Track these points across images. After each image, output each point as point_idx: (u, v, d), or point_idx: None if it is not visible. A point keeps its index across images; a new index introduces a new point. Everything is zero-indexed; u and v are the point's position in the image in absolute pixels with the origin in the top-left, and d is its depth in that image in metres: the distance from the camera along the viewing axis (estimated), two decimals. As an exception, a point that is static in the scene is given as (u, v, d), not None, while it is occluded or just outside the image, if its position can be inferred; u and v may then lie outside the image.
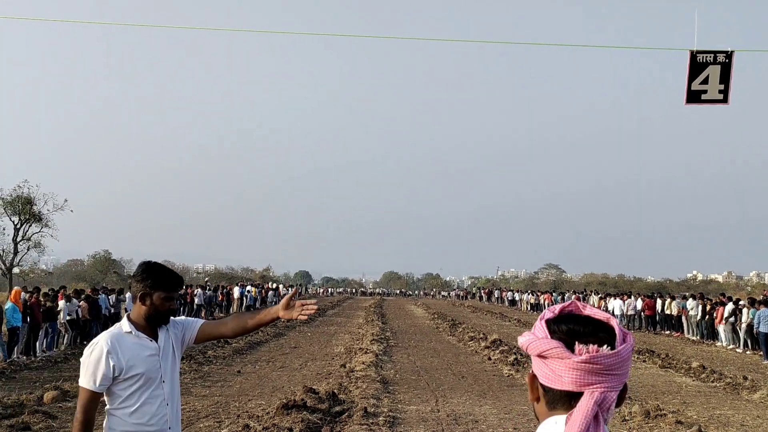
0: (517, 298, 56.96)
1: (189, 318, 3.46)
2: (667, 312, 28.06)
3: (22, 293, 16.77)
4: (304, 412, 8.85)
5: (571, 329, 1.46)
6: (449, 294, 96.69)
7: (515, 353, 17.17)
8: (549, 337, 1.46)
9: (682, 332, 26.45)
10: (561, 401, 1.46)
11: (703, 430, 8.58)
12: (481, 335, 22.75)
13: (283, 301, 3.21)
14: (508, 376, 14.13)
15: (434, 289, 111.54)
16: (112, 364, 3.02)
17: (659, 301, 29.23)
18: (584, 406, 1.41)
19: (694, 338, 24.84)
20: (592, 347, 1.42)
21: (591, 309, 1.51)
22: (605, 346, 1.42)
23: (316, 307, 3.20)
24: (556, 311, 1.52)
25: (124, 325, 3.15)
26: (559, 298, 42.76)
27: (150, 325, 3.16)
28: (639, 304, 30.55)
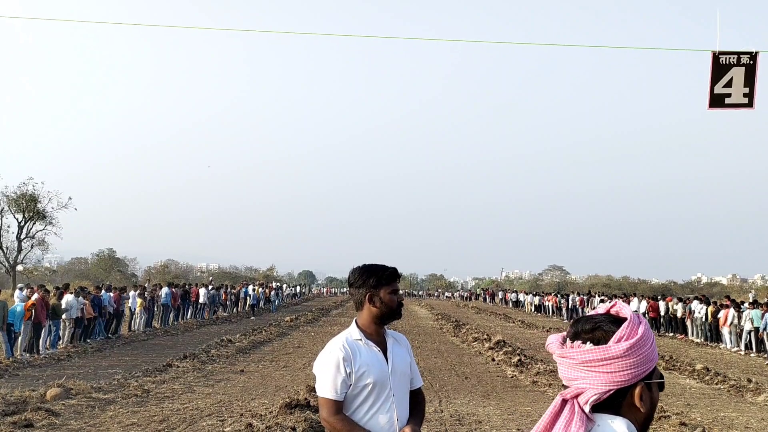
0: (521, 300, 56.93)
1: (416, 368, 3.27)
2: (674, 313, 27.97)
3: (23, 291, 16.89)
4: (308, 412, 8.83)
5: (576, 327, 1.54)
6: (453, 295, 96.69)
7: (519, 354, 17.13)
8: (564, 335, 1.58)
9: (686, 334, 26.37)
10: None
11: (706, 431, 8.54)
12: (485, 336, 22.70)
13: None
14: (512, 377, 14.09)
15: (438, 290, 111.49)
16: (348, 371, 2.94)
17: (662, 304, 29.13)
18: (555, 400, 1.52)
19: (699, 340, 24.75)
20: (575, 343, 1.50)
21: (625, 310, 1.55)
22: (588, 344, 1.48)
23: None
24: (597, 311, 1.62)
25: (354, 332, 3.06)
26: (563, 300, 42.64)
27: (381, 327, 3.09)
28: (644, 305, 30.43)
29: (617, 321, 1.52)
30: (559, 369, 1.55)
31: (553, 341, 1.56)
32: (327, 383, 2.95)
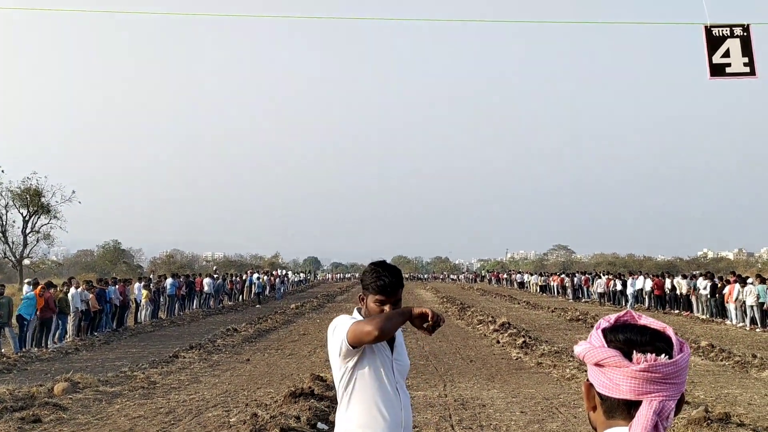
0: (526, 280, 57.00)
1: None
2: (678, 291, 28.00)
3: (30, 285, 16.99)
4: (312, 400, 8.89)
5: (629, 338, 1.49)
6: (459, 277, 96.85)
7: (524, 336, 17.18)
8: (606, 345, 1.49)
9: (692, 311, 26.40)
10: (619, 410, 1.48)
11: (710, 409, 8.56)
12: (490, 318, 22.77)
13: None
14: (517, 359, 14.14)
15: (444, 273, 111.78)
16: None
17: (668, 281, 29.15)
18: (644, 415, 1.44)
19: (704, 317, 24.78)
20: (650, 356, 1.44)
21: (647, 319, 1.54)
22: (663, 355, 1.45)
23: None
24: (612, 321, 1.55)
25: (359, 319, 3.05)
26: (568, 280, 42.67)
27: None
28: (648, 284, 30.47)
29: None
30: (629, 383, 1.44)
31: (614, 354, 1.46)
32: (346, 320, 2.95)
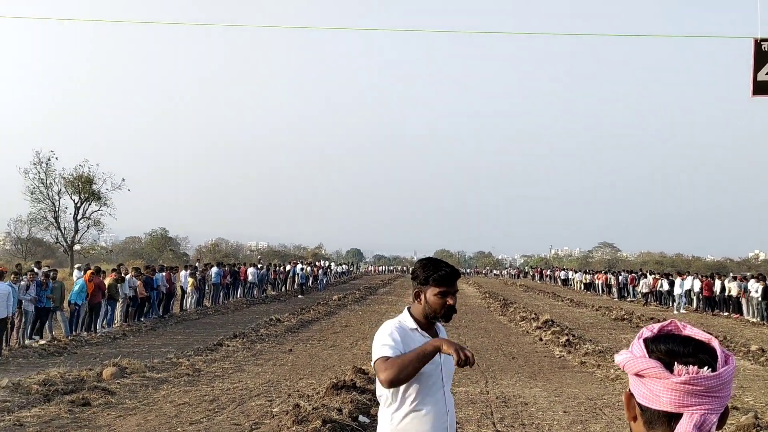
0: (570, 277, 56.33)
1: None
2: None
3: (81, 270, 17.40)
4: (354, 393, 8.92)
5: (671, 349, 1.44)
6: (501, 272, 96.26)
7: (567, 334, 16.98)
8: (647, 356, 1.45)
9: (742, 314, 25.75)
10: (659, 421, 1.44)
11: (759, 416, 8.34)
12: (533, 315, 22.56)
13: None
14: (560, 357, 13.99)
15: (486, 268, 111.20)
16: (400, 339, 2.90)
17: (718, 282, 28.46)
18: (684, 428, 1.40)
19: (754, 320, 24.14)
20: (692, 368, 1.40)
21: (692, 329, 1.49)
22: (706, 368, 1.40)
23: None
24: (655, 330, 1.50)
25: (408, 321, 3.04)
26: (613, 278, 42.00)
27: (429, 324, 3.07)
28: (697, 284, 29.82)
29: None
30: (670, 395, 1.40)
31: (654, 365, 1.42)
32: (378, 347, 2.90)
